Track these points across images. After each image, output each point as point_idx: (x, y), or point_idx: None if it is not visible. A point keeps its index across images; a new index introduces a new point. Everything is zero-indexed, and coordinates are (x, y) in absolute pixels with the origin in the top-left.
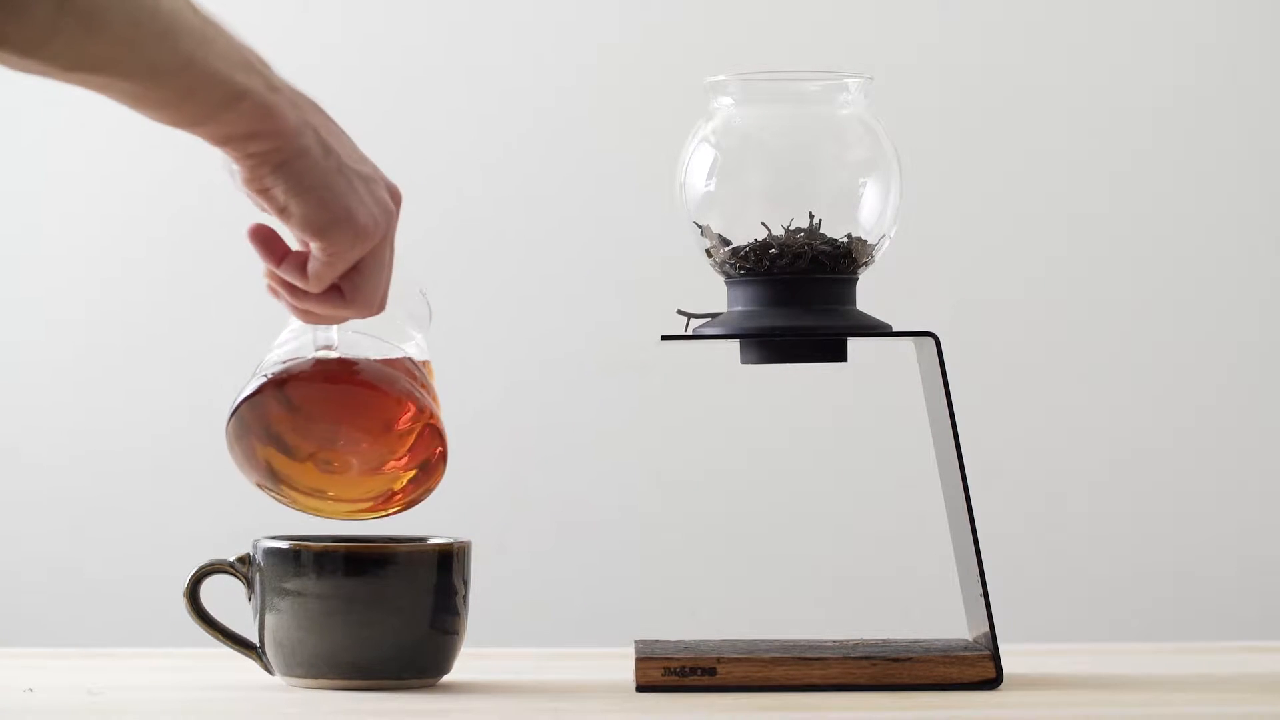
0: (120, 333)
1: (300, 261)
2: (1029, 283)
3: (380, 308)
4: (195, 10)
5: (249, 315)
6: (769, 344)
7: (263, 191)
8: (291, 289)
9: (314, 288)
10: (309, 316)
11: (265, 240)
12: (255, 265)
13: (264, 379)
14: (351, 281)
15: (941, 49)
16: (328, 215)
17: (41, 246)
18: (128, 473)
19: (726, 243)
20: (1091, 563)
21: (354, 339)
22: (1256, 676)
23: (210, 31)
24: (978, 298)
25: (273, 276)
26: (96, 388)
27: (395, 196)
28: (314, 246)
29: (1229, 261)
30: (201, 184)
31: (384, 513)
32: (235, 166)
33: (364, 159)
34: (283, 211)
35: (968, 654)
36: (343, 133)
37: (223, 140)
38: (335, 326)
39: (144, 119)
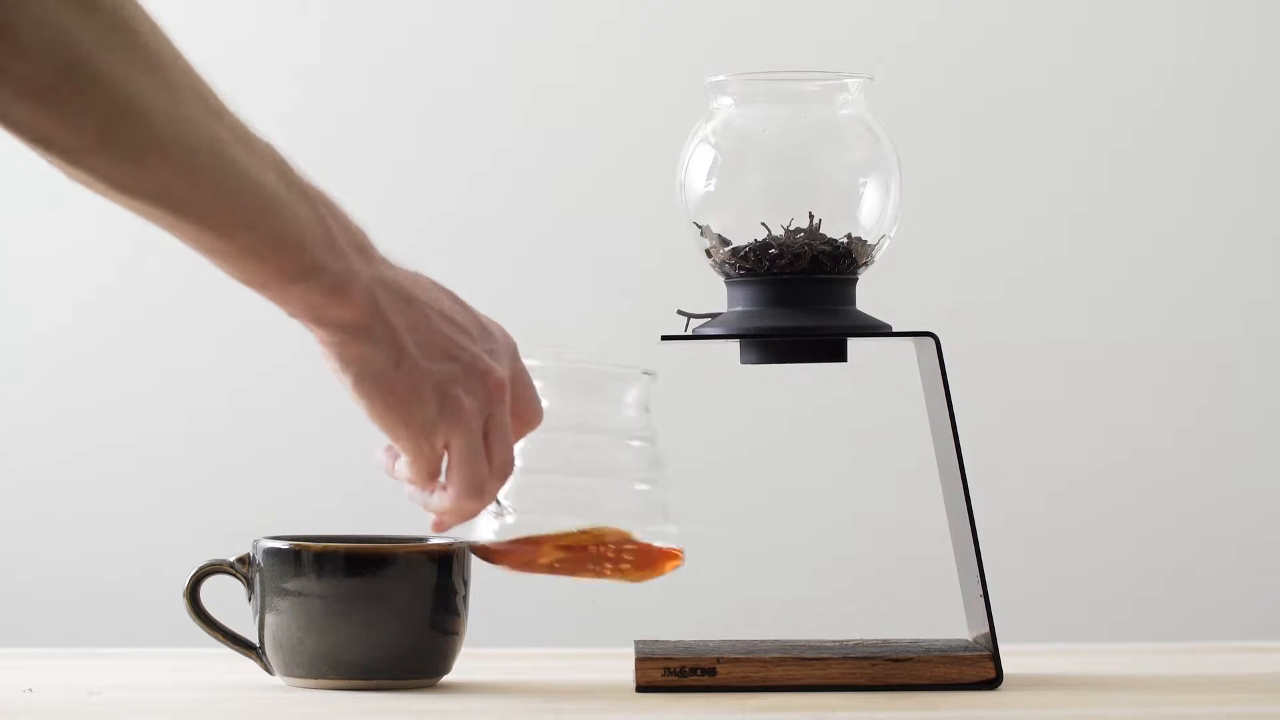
0: (119, 332)
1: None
2: (1029, 283)
3: (489, 495)
4: (283, 174)
5: (247, 316)
6: (769, 344)
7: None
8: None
9: (415, 483)
10: (437, 516)
11: (390, 450)
12: None
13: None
14: (449, 473)
15: (942, 49)
16: (386, 418)
17: (34, 249)
18: (127, 473)
19: (726, 243)
20: (1091, 563)
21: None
22: (1256, 676)
23: (290, 197)
24: (978, 298)
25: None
26: (96, 388)
27: (491, 383)
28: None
29: (1229, 261)
30: None
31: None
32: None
33: (455, 347)
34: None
35: (968, 654)
36: (439, 314)
37: (296, 314)
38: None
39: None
